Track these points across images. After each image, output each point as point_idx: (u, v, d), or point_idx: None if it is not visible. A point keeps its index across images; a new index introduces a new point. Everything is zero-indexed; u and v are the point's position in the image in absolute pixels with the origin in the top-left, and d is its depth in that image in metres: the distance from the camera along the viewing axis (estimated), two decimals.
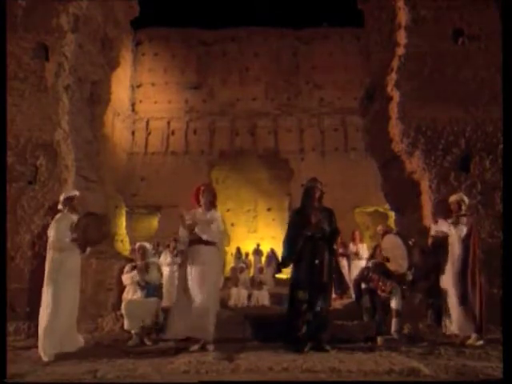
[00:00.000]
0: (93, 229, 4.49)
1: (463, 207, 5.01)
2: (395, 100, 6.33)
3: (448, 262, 4.86)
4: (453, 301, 4.75)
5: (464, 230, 4.82)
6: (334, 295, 5.40)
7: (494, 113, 5.80)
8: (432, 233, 5.21)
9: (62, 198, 4.71)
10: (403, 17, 6.46)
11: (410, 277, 4.91)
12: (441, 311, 4.97)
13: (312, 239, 4.38)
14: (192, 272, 4.39)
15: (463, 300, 4.68)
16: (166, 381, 3.19)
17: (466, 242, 4.82)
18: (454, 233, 4.84)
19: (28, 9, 6.59)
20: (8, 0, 6.22)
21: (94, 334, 5.08)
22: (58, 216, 4.57)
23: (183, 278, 4.47)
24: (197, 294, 4.28)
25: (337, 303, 6.41)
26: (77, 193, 4.81)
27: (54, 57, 6.49)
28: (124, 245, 13.35)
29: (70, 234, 4.46)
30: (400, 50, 6.43)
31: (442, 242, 4.98)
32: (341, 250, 8.16)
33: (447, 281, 4.84)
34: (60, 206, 4.67)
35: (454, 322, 4.73)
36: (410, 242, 5.04)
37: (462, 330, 4.69)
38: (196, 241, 4.44)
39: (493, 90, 5.93)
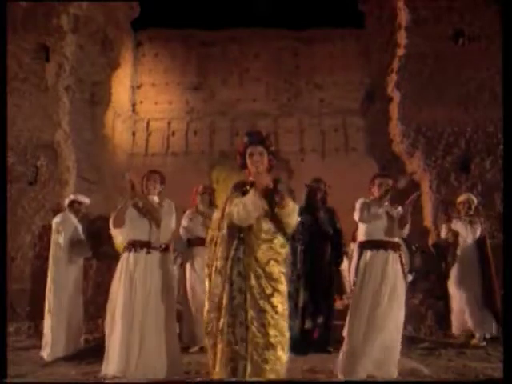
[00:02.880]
0: None
1: (473, 207, 5.00)
2: (395, 101, 6.33)
3: (458, 264, 4.84)
4: (470, 301, 4.69)
5: (478, 230, 4.82)
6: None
7: (494, 113, 5.79)
8: (443, 234, 5.16)
9: (68, 200, 4.69)
10: (403, 17, 6.46)
11: (410, 278, 4.89)
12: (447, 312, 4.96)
13: (310, 240, 4.30)
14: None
15: (485, 300, 4.65)
16: (166, 381, 3.18)
17: (479, 242, 4.81)
18: (469, 232, 4.83)
19: (28, 9, 6.60)
20: (9, 1, 6.23)
21: (94, 334, 5.07)
22: (59, 215, 4.58)
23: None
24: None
25: (337, 303, 6.39)
26: (87, 200, 4.73)
27: (54, 57, 6.50)
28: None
29: (72, 235, 4.48)
30: (400, 51, 6.43)
31: (449, 244, 4.96)
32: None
33: (459, 282, 4.80)
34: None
35: (474, 322, 4.67)
36: (413, 247, 5.02)
37: (483, 329, 4.64)
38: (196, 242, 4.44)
39: (493, 91, 5.93)
